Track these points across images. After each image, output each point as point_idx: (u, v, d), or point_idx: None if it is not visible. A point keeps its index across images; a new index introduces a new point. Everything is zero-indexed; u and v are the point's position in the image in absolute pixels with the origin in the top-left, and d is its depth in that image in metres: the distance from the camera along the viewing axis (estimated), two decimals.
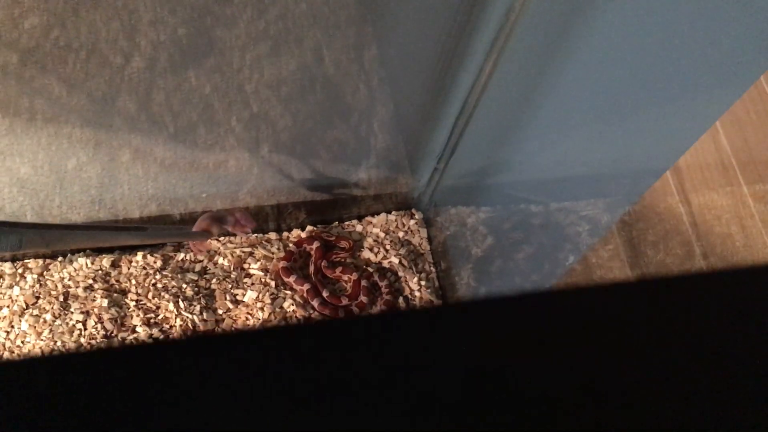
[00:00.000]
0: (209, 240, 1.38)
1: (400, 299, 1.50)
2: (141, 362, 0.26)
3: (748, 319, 0.28)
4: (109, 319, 1.34)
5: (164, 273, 1.42)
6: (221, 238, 1.50)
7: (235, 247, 1.49)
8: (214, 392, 0.25)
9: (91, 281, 1.38)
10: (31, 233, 1.00)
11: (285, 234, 1.56)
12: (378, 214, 1.60)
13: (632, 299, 0.30)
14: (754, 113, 2.06)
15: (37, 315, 1.33)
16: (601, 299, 0.30)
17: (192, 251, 1.46)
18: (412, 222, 1.59)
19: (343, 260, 1.54)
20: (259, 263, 1.48)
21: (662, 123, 1.49)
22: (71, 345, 1.30)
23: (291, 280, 1.46)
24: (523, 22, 1.10)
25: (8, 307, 1.34)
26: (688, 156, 1.93)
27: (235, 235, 1.43)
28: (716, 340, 0.27)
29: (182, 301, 1.38)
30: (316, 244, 1.51)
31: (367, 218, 1.59)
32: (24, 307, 1.34)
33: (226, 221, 1.29)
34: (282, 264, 1.48)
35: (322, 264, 1.50)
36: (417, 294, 1.50)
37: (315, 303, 1.44)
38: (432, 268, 1.56)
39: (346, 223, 1.60)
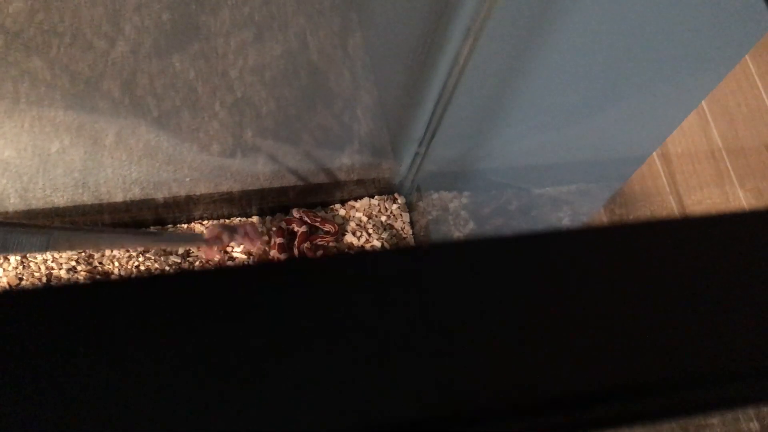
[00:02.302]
0: (218, 248, 1.43)
1: None
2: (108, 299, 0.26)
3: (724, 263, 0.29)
4: None
5: (147, 255, 1.43)
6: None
7: (221, 251, 1.50)
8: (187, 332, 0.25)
9: (74, 263, 1.40)
10: (58, 235, 1.02)
11: (268, 218, 1.57)
12: (361, 198, 1.61)
13: (612, 243, 0.31)
14: (744, 105, 2.07)
15: None
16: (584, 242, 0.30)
17: (204, 258, 1.49)
18: (394, 206, 1.61)
19: (326, 244, 1.55)
20: (242, 246, 1.50)
21: (643, 110, 1.50)
22: None
23: (282, 257, 1.47)
24: (499, 8, 1.11)
25: None
26: (678, 145, 1.95)
27: (242, 245, 1.50)
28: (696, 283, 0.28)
29: None
30: (303, 228, 1.53)
31: (350, 202, 1.61)
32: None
33: (237, 232, 1.38)
34: (279, 240, 1.49)
35: (306, 246, 1.52)
36: None
37: None
38: None
39: (329, 207, 1.61)
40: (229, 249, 1.50)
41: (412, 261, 0.30)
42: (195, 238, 1.41)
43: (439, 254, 0.31)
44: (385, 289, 0.28)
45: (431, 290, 0.28)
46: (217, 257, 1.49)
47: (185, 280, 0.30)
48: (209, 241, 1.35)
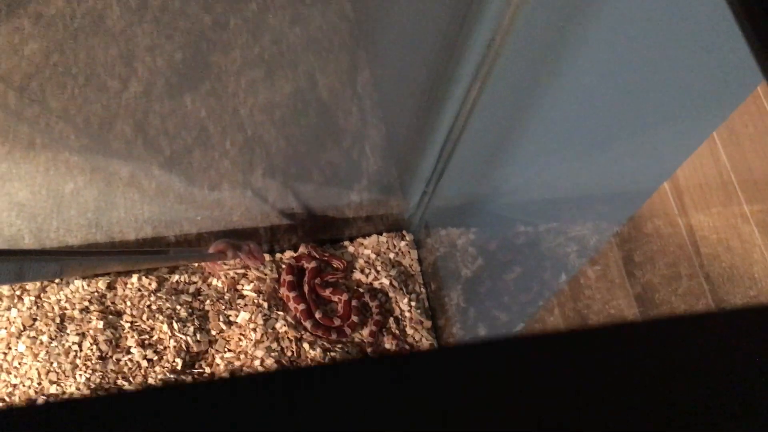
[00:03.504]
0: (222, 262, 1.46)
1: (390, 320, 1.52)
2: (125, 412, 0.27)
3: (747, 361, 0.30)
4: (105, 340, 1.37)
5: (159, 295, 1.45)
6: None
7: (228, 269, 1.52)
8: None
9: (87, 303, 1.41)
10: (70, 261, 1.04)
11: (278, 255, 1.59)
12: (369, 235, 1.62)
13: (632, 339, 0.31)
14: (753, 129, 2.08)
15: (33, 336, 1.36)
16: (601, 342, 0.31)
17: (208, 272, 1.51)
18: (402, 243, 1.62)
19: (336, 281, 1.57)
20: (252, 285, 1.51)
21: (649, 146, 1.51)
22: (67, 366, 1.33)
23: (292, 295, 1.48)
24: (507, 51, 1.13)
25: (6, 328, 1.37)
26: (688, 173, 1.95)
27: (246, 265, 1.52)
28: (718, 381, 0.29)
29: (176, 322, 1.41)
30: (313, 264, 1.54)
31: (358, 239, 1.62)
32: (21, 328, 1.37)
33: (241, 249, 1.40)
34: (288, 278, 1.51)
35: (316, 282, 1.53)
36: (407, 315, 1.53)
37: (308, 324, 1.46)
38: (422, 288, 1.59)
39: (338, 243, 1.63)
40: (239, 287, 1.51)
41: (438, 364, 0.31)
42: (200, 254, 1.43)
43: (458, 356, 0.32)
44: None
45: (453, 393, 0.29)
46: (221, 272, 1.51)
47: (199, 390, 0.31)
48: (214, 256, 1.37)
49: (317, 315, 1.49)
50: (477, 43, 1.15)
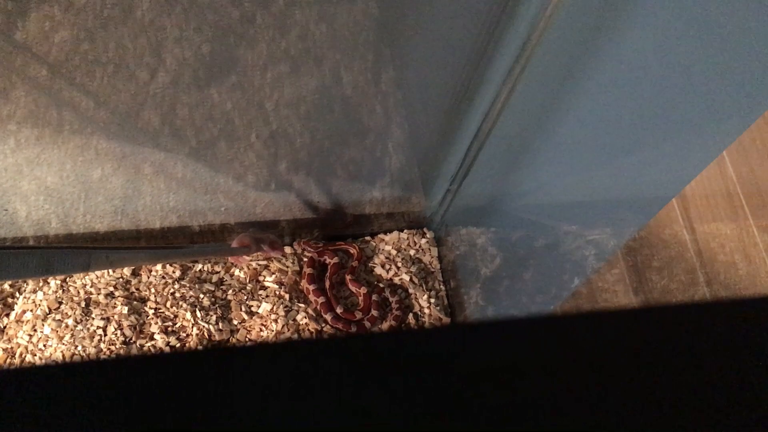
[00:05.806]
0: (246, 255, 1.48)
1: (410, 315, 1.54)
2: (159, 372, 0.28)
3: (749, 349, 0.30)
4: (129, 325, 1.38)
5: (182, 283, 1.46)
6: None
7: (251, 260, 1.54)
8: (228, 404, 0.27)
9: (112, 288, 1.43)
10: (97, 254, 1.06)
11: (299, 249, 1.60)
12: (390, 231, 1.64)
13: (636, 326, 0.31)
14: (759, 141, 2.09)
15: (59, 320, 1.37)
16: (606, 325, 0.31)
17: (233, 262, 1.55)
18: (423, 241, 1.64)
19: (357, 273, 1.58)
20: (273, 276, 1.53)
21: (670, 154, 1.52)
22: (91, 350, 1.35)
23: (311, 287, 1.50)
24: (539, 55, 1.15)
25: (32, 311, 1.38)
26: (694, 184, 1.97)
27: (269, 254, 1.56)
28: (718, 369, 0.29)
29: (199, 310, 1.42)
30: (335, 260, 1.56)
31: (379, 235, 1.64)
32: (47, 311, 1.38)
33: (264, 241, 1.44)
34: (309, 271, 1.53)
35: (346, 275, 1.55)
36: (426, 311, 1.54)
37: (328, 317, 1.48)
38: (441, 286, 1.60)
39: (360, 239, 1.64)
40: (261, 278, 1.53)
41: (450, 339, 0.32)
42: (224, 248, 1.46)
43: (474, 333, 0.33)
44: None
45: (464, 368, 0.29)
46: (245, 264, 1.53)
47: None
48: (238, 250, 1.40)
49: (338, 309, 1.50)
50: (512, 44, 1.16)
